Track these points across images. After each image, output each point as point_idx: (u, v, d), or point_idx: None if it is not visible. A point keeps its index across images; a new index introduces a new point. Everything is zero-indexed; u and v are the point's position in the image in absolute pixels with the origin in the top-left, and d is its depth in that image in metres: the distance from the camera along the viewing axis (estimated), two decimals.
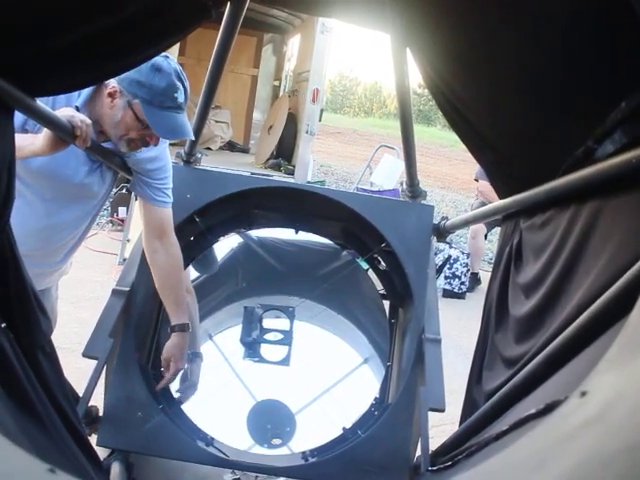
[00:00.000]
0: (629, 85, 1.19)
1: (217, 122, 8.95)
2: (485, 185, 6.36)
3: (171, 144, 2.51)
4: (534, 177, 1.68)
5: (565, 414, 0.68)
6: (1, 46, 1.29)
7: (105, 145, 2.26)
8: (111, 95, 2.15)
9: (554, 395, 1.16)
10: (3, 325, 1.41)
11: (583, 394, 0.66)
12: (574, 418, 0.62)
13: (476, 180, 7.48)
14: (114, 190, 2.53)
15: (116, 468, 2.22)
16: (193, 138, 2.37)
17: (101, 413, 2.35)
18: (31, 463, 0.58)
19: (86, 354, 2.28)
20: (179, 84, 2.16)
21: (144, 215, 2.44)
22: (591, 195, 1.41)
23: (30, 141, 1.93)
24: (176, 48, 7.78)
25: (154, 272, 2.48)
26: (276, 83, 10.11)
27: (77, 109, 2.11)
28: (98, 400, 2.36)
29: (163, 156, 2.41)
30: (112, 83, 2.14)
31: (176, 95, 2.16)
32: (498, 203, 2.07)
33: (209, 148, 8.60)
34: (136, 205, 6.33)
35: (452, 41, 1.67)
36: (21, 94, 1.46)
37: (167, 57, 2.17)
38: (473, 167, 11.32)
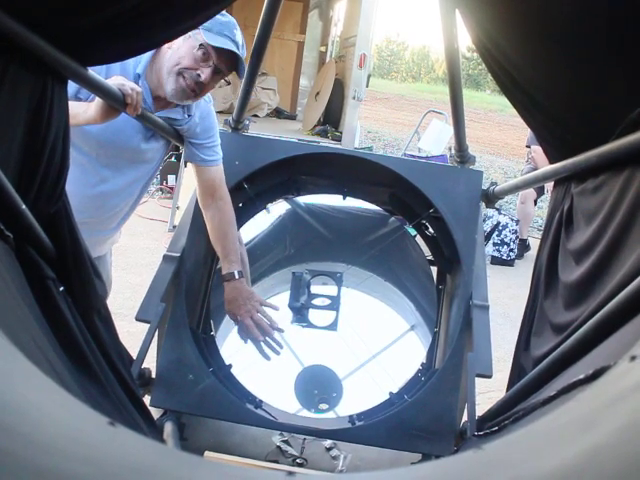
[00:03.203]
0: None
1: (264, 89, 8.94)
2: (539, 151, 6.22)
3: (219, 112, 2.54)
4: (587, 140, 1.64)
5: (614, 378, 0.68)
6: (53, 16, 1.31)
7: (158, 114, 2.30)
8: None
9: (603, 361, 1.14)
10: (61, 289, 1.46)
11: (633, 358, 0.65)
12: (624, 381, 0.62)
13: (528, 147, 7.32)
14: (164, 158, 2.57)
15: (168, 427, 2.29)
16: (243, 54, 2.37)
17: (154, 375, 2.42)
18: (93, 416, 0.61)
19: (139, 318, 2.34)
20: (239, 31, 2.25)
21: (198, 177, 2.51)
22: None
23: (83, 109, 1.97)
24: None
25: (207, 225, 2.59)
26: (322, 49, 10.02)
27: (138, 76, 2.15)
28: (151, 363, 2.43)
29: (209, 114, 2.46)
30: None
31: (235, 32, 2.22)
32: (549, 167, 2.03)
33: (256, 115, 8.61)
34: (185, 173, 6.42)
35: (503, 2, 1.63)
36: (73, 63, 1.49)
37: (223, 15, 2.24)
38: (523, 132, 11.10)
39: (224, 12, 2.27)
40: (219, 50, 2.19)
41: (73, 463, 0.48)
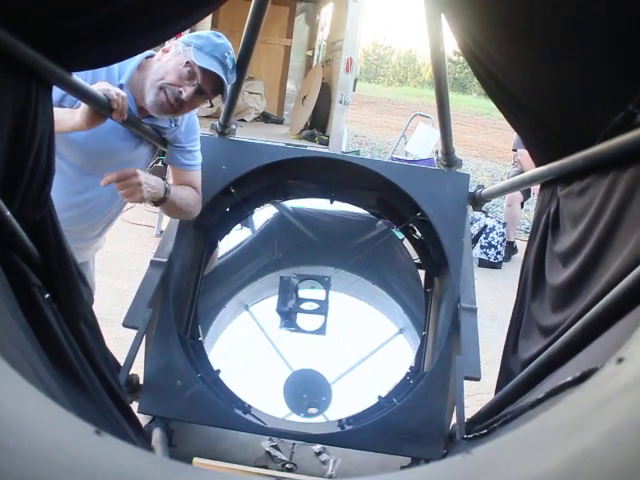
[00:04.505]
0: None
1: (251, 93, 8.93)
2: (525, 154, 6.25)
3: (205, 116, 2.53)
4: (572, 143, 1.65)
5: (602, 380, 0.68)
6: (38, 21, 1.30)
7: (145, 121, 2.29)
8: (165, 51, 2.22)
9: (591, 363, 1.15)
10: (47, 296, 1.45)
11: (620, 360, 0.65)
12: (611, 384, 0.62)
13: (514, 150, 7.36)
14: (150, 163, 2.54)
15: (157, 434, 2.28)
16: (232, 79, 2.33)
17: (142, 381, 2.41)
18: (78, 425, 0.60)
19: (126, 324, 2.33)
20: (232, 54, 2.23)
21: (175, 182, 2.49)
22: (631, 161, 1.38)
23: (69, 116, 1.95)
24: (209, 20, 7.74)
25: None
26: (309, 53, 10.03)
27: (121, 87, 2.13)
28: (138, 369, 2.42)
29: (191, 117, 2.44)
30: (169, 42, 2.23)
31: (226, 55, 2.19)
32: (535, 170, 2.04)
33: (243, 119, 8.60)
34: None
35: (488, 5, 1.63)
36: (58, 69, 1.48)
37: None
38: (509, 135, 11.16)
39: (220, 33, 2.27)
40: (205, 71, 2.17)
41: (58, 473, 0.47)
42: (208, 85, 2.20)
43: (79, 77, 1.67)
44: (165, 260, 2.52)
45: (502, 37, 1.69)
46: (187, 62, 2.15)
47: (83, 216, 2.31)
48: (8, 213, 1.29)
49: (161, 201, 2.28)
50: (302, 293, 2.83)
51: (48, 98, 1.49)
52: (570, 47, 1.45)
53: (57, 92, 1.68)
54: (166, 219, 2.89)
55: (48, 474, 0.46)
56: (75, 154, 2.19)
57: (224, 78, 2.19)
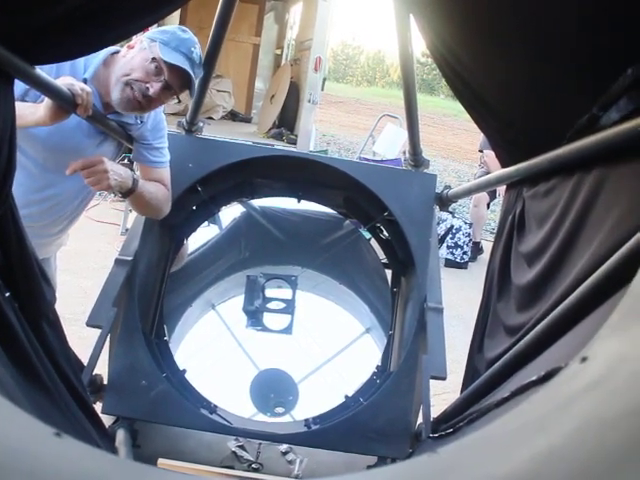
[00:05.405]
0: (635, 52, 1.17)
1: (219, 91, 8.87)
2: (491, 155, 6.31)
3: (173, 114, 2.50)
4: (538, 145, 1.67)
5: (565, 380, 0.69)
6: (1, 14, 1.27)
7: (110, 117, 2.25)
8: (131, 47, 2.20)
9: (556, 362, 1.16)
10: (7, 294, 1.42)
11: (584, 360, 0.66)
12: (575, 383, 0.63)
13: (480, 151, 7.43)
14: (116, 161, 2.50)
15: (121, 435, 2.24)
16: (199, 73, 2.31)
17: (105, 381, 2.37)
18: (37, 427, 0.59)
19: (90, 323, 2.29)
20: (198, 49, 2.21)
21: (143, 178, 2.42)
22: (595, 163, 1.40)
23: (31, 110, 1.91)
24: (177, 16, 7.68)
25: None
26: (278, 52, 10.00)
27: (85, 81, 2.09)
28: (102, 369, 2.38)
29: (157, 113, 2.41)
30: (135, 37, 2.20)
31: (192, 49, 2.17)
32: (501, 171, 2.06)
33: (211, 117, 8.54)
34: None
35: (457, 7, 1.64)
36: (21, 62, 1.45)
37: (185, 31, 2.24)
38: (476, 137, 11.27)
39: (185, 28, 2.25)
40: (172, 67, 2.14)
41: (15, 477, 0.46)
42: (175, 80, 2.18)
43: (43, 71, 1.64)
44: (130, 258, 2.48)
45: (470, 37, 1.71)
46: (153, 58, 2.13)
47: (44, 213, 2.27)
48: None
49: (129, 192, 2.24)
50: (269, 292, 2.82)
51: (10, 92, 1.46)
52: (536, 52, 1.46)
53: (20, 86, 1.65)
54: (132, 217, 2.86)
55: (3, 478, 0.45)
56: (37, 150, 2.15)
57: (191, 73, 2.18)
